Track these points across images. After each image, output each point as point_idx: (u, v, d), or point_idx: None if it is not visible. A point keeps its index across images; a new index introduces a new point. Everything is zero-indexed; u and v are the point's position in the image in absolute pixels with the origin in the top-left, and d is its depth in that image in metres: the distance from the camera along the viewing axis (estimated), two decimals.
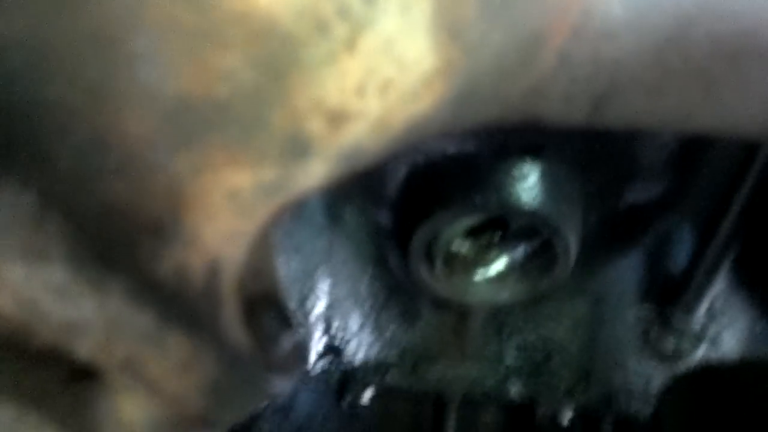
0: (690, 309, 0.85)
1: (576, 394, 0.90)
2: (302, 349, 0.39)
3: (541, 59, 0.40)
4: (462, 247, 0.82)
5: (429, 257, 0.78)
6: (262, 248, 0.37)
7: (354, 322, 0.86)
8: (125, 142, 0.29)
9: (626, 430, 0.92)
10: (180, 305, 0.32)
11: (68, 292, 0.28)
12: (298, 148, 0.31)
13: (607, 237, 0.85)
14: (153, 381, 0.31)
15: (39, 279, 0.28)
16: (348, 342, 0.87)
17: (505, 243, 0.81)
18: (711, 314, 0.88)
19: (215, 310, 0.33)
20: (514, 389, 0.92)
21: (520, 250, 0.82)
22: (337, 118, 0.32)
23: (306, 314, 0.85)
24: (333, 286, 0.85)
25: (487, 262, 0.83)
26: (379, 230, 0.80)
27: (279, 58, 0.30)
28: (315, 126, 0.31)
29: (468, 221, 0.76)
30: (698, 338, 0.88)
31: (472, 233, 0.80)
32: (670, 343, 0.88)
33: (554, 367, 0.91)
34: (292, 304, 0.84)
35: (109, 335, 0.30)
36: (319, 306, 0.85)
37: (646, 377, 0.90)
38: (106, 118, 0.28)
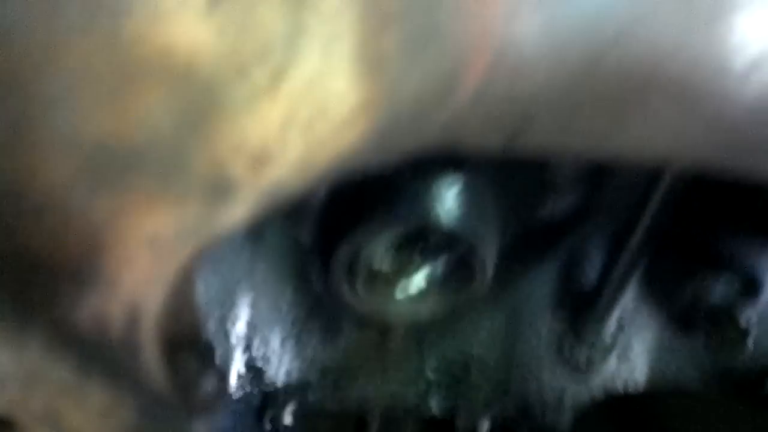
0: (600, 321, 0.88)
1: (494, 406, 0.92)
2: (223, 389, 0.39)
3: (458, 94, 0.41)
4: (382, 263, 0.82)
5: (350, 274, 0.78)
6: (182, 289, 0.37)
7: (275, 341, 0.86)
8: (42, 187, 0.28)
9: None
10: (99, 353, 0.31)
11: None
12: (219, 190, 0.31)
13: (522, 251, 0.87)
14: (72, 431, 0.30)
15: None
16: (269, 361, 0.86)
17: (424, 259, 0.82)
18: (621, 326, 0.91)
19: (135, 355, 0.33)
20: (435, 403, 0.93)
21: (439, 266, 0.83)
22: (260, 160, 0.32)
23: (226, 333, 0.84)
24: (253, 305, 0.84)
25: (406, 279, 0.84)
26: (301, 247, 0.80)
27: (199, 102, 0.29)
28: (237, 168, 0.31)
29: (388, 237, 0.77)
30: (609, 349, 0.91)
31: (393, 250, 0.81)
32: (582, 355, 0.90)
33: (473, 380, 0.93)
34: (211, 323, 0.83)
35: (27, 388, 0.29)
36: (240, 325, 0.84)
37: (560, 389, 0.92)
38: (22, 163, 0.28)
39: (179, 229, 0.31)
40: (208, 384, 0.36)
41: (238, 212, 0.33)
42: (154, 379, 0.34)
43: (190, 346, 0.36)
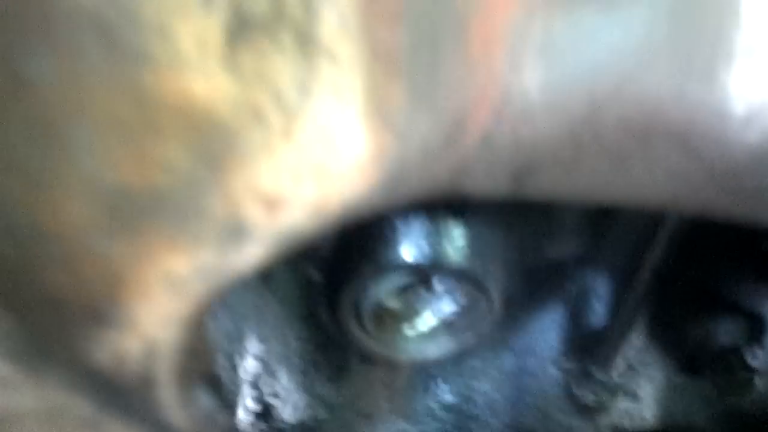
0: (608, 362, 0.88)
1: None
2: (234, 425, 0.40)
3: (465, 141, 0.42)
4: (390, 301, 0.83)
5: (358, 312, 0.79)
6: (198, 328, 0.38)
7: (284, 380, 0.87)
8: (65, 231, 0.29)
9: None
10: (118, 390, 0.32)
11: (11, 384, 0.29)
12: (235, 233, 0.32)
13: (529, 292, 0.88)
14: None
15: None
16: (279, 400, 0.87)
17: (432, 297, 0.83)
18: (629, 366, 0.91)
19: (153, 392, 0.34)
20: None
21: (447, 305, 0.84)
22: (274, 204, 0.33)
23: (235, 368, 0.85)
24: (263, 344, 0.85)
25: (415, 317, 0.85)
26: (310, 286, 0.81)
27: (216, 148, 0.31)
28: (252, 212, 0.32)
29: (396, 278, 0.78)
30: (617, 389, 0.91)
31: (401, 289, 0.82)
32: (591, 394, 0.91)
33: (482, 417, 0.93)
34: (220, 358, 0.84)
35: (48, 423, 0.30)
36: (249, 364, 0.85)
37: (569, 427, 0.92)
38: (46, 206, 0.29)
39: (196, 270, 0.32)
40: (224, 421, 0.37)
41: (252, 254, 0.34)
42: (171, 414, 0.35)
43: (205, 381, 0.38)
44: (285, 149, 0.32)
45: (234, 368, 0.84)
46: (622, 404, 0.92)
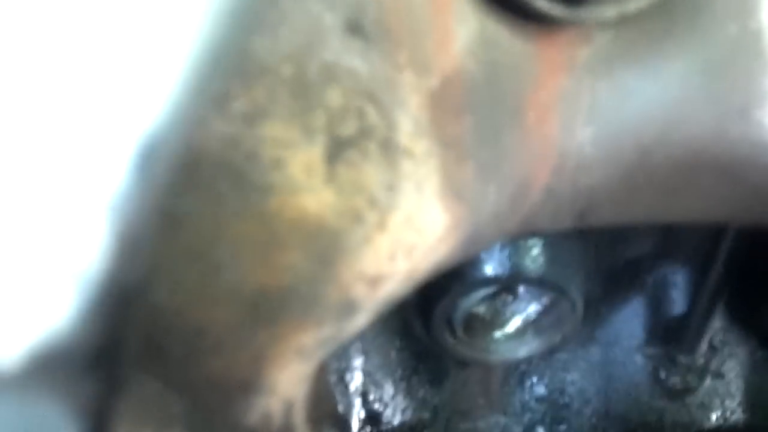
0: (692, 347, 0.93)
1: (597, 430, 0.98)
2: None
3: (530, 198, 0.49)
4: (479, 309, 0.90)
5: (450, 326, 0.86)
6: (321, 376, 0.46)
7: (388, 390, 0.95)
8: (218, 328, 0.38)
9: None
10: None
11: None
12: (347, 310, 0.40)
13: (610, 288, 0.94)
14: None
15: None
16: (385, 407, 0.95)
17: (518, 303, 0.90)
18: (712, 349, 0.96)
19: None
20: None
21: (533, 309, 0.90)
22: (375, 282, 0.41)
23: (345, 387, 0.93)
24: (366, 360, 0.94)
25: (502, 321, 0.91)
26: (404, 304, 0.89)
27: (328, 249, 0.39)
28: (359, 291, 0.40)
29: (482, 291, 0.85)
30: (703, 371, 0.96)
31: (488, 297, 0.89)
32: (677, 378, 0.96)
33: (575, 410, 0.99)
34: (331, 377, 0.93)
35: None
36: (356, 379, 0.93)
37: (659, 410, 0.97)
38: (203, 312, 0.37)
39: (319, 342, 0.41)
40: None
41: (360, 321, 0.42)
42: None
43: (332, 422, 0.46)
44: (381, 239, 0.40)
45: (344, 383, 0.93)
46: (709, 384, 0.97)
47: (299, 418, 0.43)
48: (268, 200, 0.37)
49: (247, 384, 0.39)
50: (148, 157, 0.21)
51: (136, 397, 0.36)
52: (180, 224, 0.37)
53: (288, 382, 0.41)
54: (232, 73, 0.38)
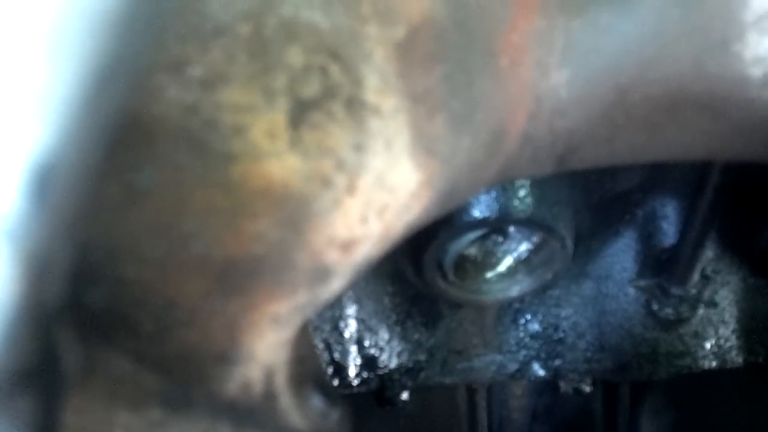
0: (684, 277, 0.93)
1: (593, 365, 0.99)
2: (346, 419, 0.48)
3: (507, 145, 0.48)
4: (470, 251, 0.90)
5: (441, 269, 0.86)
6: (302, 339, 0.46)
7: (383, 335, 0.95)
8: (189, 300, 0.37)
9: (641, 391, 1.00)
10: (248, 409, 0.40)
11: (164, 424, 0.37)
12: (321, 275, 0.40)
13: (600, 223, 0.93)
14: None
15: (142, 419, 0.37)
16: (381, 352, 0.96)
17: (508, 243, 0.90)
18: (705, 278, 0.96)
19: (275, 404, 0.42)
20: (537, 368, 1.01)
21: (524, 248, 0.90)
22: (348, 246, 0.40)
23: (340, 335, 0.94)
24: (360, 307, 0.94)
25: (493, 261, 0.91)
26: (395, 250, 0.89)
27: (296, 215, 0.38)
28: (332, 256, 0.39)
29: (471, 234, 0.84)
30: (696, 300, 0.96)
31: (478, 239, 0.88)
32: (670, 310, 0.96)
33: (569, 345, 1.00)
34: (325, 326, 0.94)
35: None
36: (351, 326, 0.94)
37: (653, 341, 0.98)
38: (172, 285, 0.37)
39: (295, 309, 0.40)
40: (335, 415, 0.45)
41: (336, 285, 0.41)
42: (291, 418, 0.43)
43: (316, 386, 0.46)
44: (351, 202, 0.39)
45: (339, 332, 0.93)
46: (702, 313, 0.97)
47: (281, 383, 0.43)
48: (231, 168, 0.36)
49: (223, 354, 0.39)
50: (45, 179, 0.20)
51: (107, 378, 0.36)
52: (142, 198, 0.36)
53: (266, 349, 0.41)
54: (186, 36, 0.37)
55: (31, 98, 0.20)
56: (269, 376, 0.42)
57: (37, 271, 0.20)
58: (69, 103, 0.21)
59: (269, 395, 0.42)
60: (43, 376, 0.22)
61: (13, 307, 0.19)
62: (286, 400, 0.43)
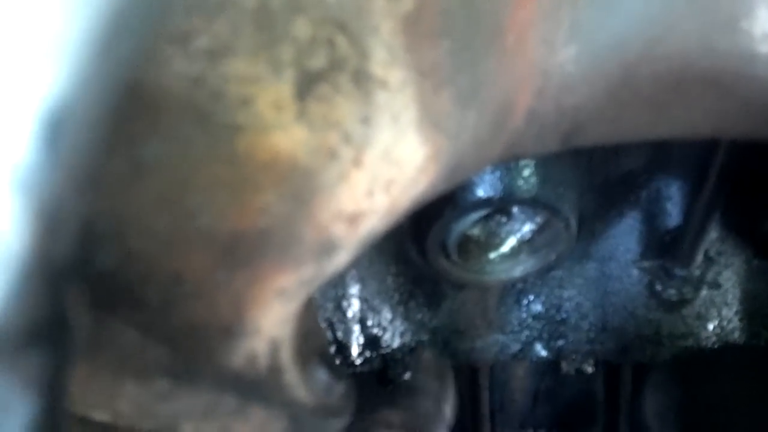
0: (688, 258, 0.93)
1: (595, 344, 0.99)
2: (350, 393, 0.48)
3: (512, 122, 0.48)
4: (474, 231, 0.90)
5: (444, 249, 0.86)
6: (307, 314, 0.46)
7: (386, 315, 0.95)
8: (195, 273, 0.37)
9: (643, 373, 1.01)
10: (254, 382, 0.41)
11: (170, 395, 0.37)
12: (327, 249, 0.40)
13: (604, 204, 0.93)
14: None
15: (148, 391, 0.37)
16: (384, 331, 0.96)
17: (512, 223, 0.90)
18: (708, 259, 0.96)
19: (280, 378, 0.42)
20: (539, 348, 1.01)
21: (527, 228, 0.90)
22: (354, 219, 0.40)
23: (343, 315, 0.94)
24: (363, 287, 0.94)
25: (497, 242, 0.91)
26: (399, 229, 0.89)
27: (302, 188, 0.38)
28: (338, 230, 0.39)
29: (475, 214, 0.84)
30: (699, 282, 0.96)
31: (482, 220, 0.88)
32: (673, 291, 0.96)
33: (572, 323, 1.00)
34: (329, 305, 0.94)
35: (204, 417, 0.39)
36: (354, 306, 0.94)
37: (656, 322, 0.98)
38: (178, 258, 0.37)
39: (301, 282, 0.40)
40: (340, 389, 0.45)
41: (342, 259, 0.41)
42: (296, 391, 0.44)
43: (321, 361, 0.46)
44: (357, 175, 0.39)
45: (342, 311, 0.93)
46: (705, 294, 0.97)
47: (287, 357, 0.43)
48: (237, 140, 0.36)
49: (229, 327, 0.39)
50: (57, 128, 0.20)
51: (114, 349, 0.36)
52: (148, 171, 0.36)
53: (272, 322, 0.41)
54: (192, 7, 0.36)
55: (44, 40, 0.20)
56: (274, 349, 0.42)
57: (49, 225, 0.20)
58: (81, 51, 0.21)
59: (274, 369, 0.42)
60: (53, 335, 0.22)
61: (24, 261, 0.19)
62: (291, 374, 0.43)
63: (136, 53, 0.26)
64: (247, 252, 0.38)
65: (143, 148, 0.35)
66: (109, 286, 0.36)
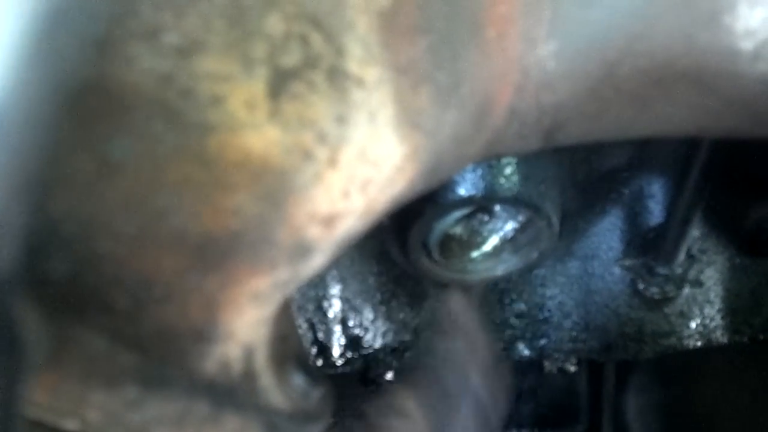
0: (670, 256, 0.92)
1: (578, 345, 0.99)
2: (329, 398, 0.47)
3: (493, 118, 0.47)
4: (455, 229, 0.89)
5: (426, 249, 0.85)
6: (283, 317, 0.45)
7: (368, 315, 0.94)
8: (165, 276, 0.36)
9: (625, 371, 1.00)
10: (227, 388, 0.39)
11: (141, 402, 0.36)
12: (302, 251, 0.38)
13: (587, 202, 0.93)
14: None
15: (118, 398, 0.36)
16: (366, 332, 0.95)
17: (495, 222, 0.89)
18: (691, 257, 0.95)
19: (255, 383, 0.41)
20: (522, 347, 1.00)
21: (509, 227, 0.89)
22: (330, 221, 0.39)
23: (324, 315, 0.93)
24: (344, 287, 0.93)
25: (479, 241, 0.90)
26: (380, 228, 0.88)
27: (276, 189, 0.37)
28: (313, 232, 0.38)
29: (457, 212, 0.83)
30: (682, 279, 0.96)
31: (463, 217, 0.87)
32: (656, 289, 0.95)
33: (555, 321, 1.00)
34: (309, 305, 0.93)
35: (177, 424, 0.37)
36: (335, 306, 0.93)
37: (639, 320, 0.98)
38: (147, 261, 0.36)
39: (275, 285, 0.39)
40: (317, 394, 0.44)
41: (318, 261, 0.40)
42: (272, 397, 0.42)
43: (298, 365, 0.45)
44: (333, 176, 0.38)
45: (323, 311, 0.92)
46: (688, 292, 0.97)
47: (261, 362, 0.42)
48: (208, 140, 0.35)
49: (201, 332, 0.38)
50: None
51: (81, 356, 0.35)
52: (116, 170, 0.34)
53: (246, 327, 0.40)
54: (161, 2, 0.35)
55: None
56: (249, 354, 0.41)
57: None
58: (12, 50, 0.20)
59: (249, 374, 0.41)
60: (0, 346, 0.21)
61: None
62: (266, 379, 0.42)
63: (90, 51, 0.25)
64: (218, 254, 0.37)
65: (110, 146, 0.34)
66: (73, 292, 0.35)
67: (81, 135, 0.32)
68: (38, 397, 0.36)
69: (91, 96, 0.30)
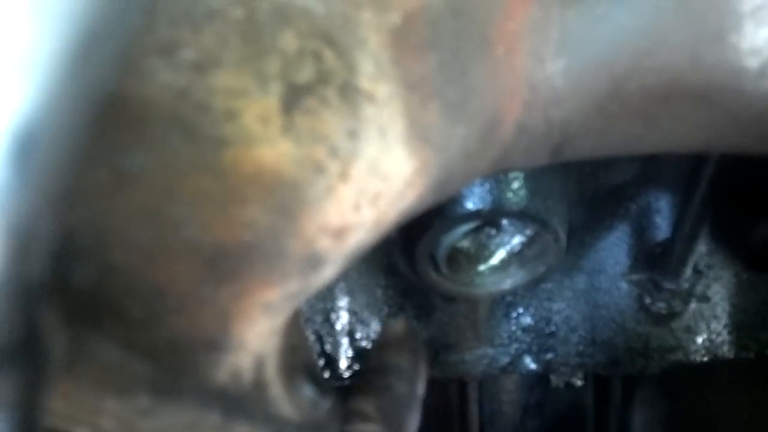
0: (677, 272, 0.93)
1: (585, 359, 0.99)
2: (337, 409, 0.48)
3: (501, 133, 0.48)
4: (463, 243, 0.90)
5: (434, 262, 0.86)
6: (293, 328, 0.45)
7: (375, 327, 0.95)
8: (178, 287, 0.37)
9: (632, 386, 1.00)
10: (238, 398, 0.40)
11: (153, 411, 0.37)
12: (313, 263, 0.39)
13: (594, 217, 0.93)
14: None
15: (130, 407, 0.36)
16: (372, 341, 0.96)
17: (502, 236, 0.89)
18: (697, 273, 0.96)
19: (265, 393, 0.41)
20: (528, 361, 1.00)
21: (517, 241, 0.90)
22: (341, 234, 0.39)
23: (331, 327, 0.93)
24: (352, 299, 0.93)
25: (486, 254, 0.91)
26: (388, 241, 0.88)
27: (288, 201, 0.37)
28: (323, 244, 0.39)
29: (465, 226, 0.84)
30: (688, 295, 0.96)
31: (471, 231, 0.88)
32: (662, 304, 0.96)
33: (561, 336, 1.00)
34: (317, 317, 0.93)
35: None
36: (343, 318, 0.93)
37: (645, 335, 0.98)
38: (161, 271, 0.36)
39: (286, 296, 0.40)
40: (326, 404, 0.45)
41: (328, 273, 0.41)
42: (281, 407, 0.43)
43: (307, 376, 0.45)
44: (344, 189, 0.39)
45: (330, 324, 0.93)
46: (695, 307, 0.97)
47: (272, 372, 0.42)
48: (223, 153, 0.36)
49: (213, 342, 0.38)
50: (28, 146, 0.19)
51: (95, 365, 0.36)
52: (131, 182, 0.35)
53: (257, 337, 0.40)
54: (178, 19, 0.36)
55: (12, 58, 0.19)
56: (260, 364, 0.41)
57: (21, 244, 0.20)
58: (52, 68, 0.20)
59: (259, 384, 0.41)
60: (26, 354, 0.22)
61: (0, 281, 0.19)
62: (276, 390, 0.42)
63: (115, 67, 0.26)
64: (231, 265, 0.37)
65: (127, 159, 0.35)
66: (90, 301, 0.35)
67: (100, 147, 0.33)
68: (53, 404, 0.36)
69: (111, 110, 0.31)
